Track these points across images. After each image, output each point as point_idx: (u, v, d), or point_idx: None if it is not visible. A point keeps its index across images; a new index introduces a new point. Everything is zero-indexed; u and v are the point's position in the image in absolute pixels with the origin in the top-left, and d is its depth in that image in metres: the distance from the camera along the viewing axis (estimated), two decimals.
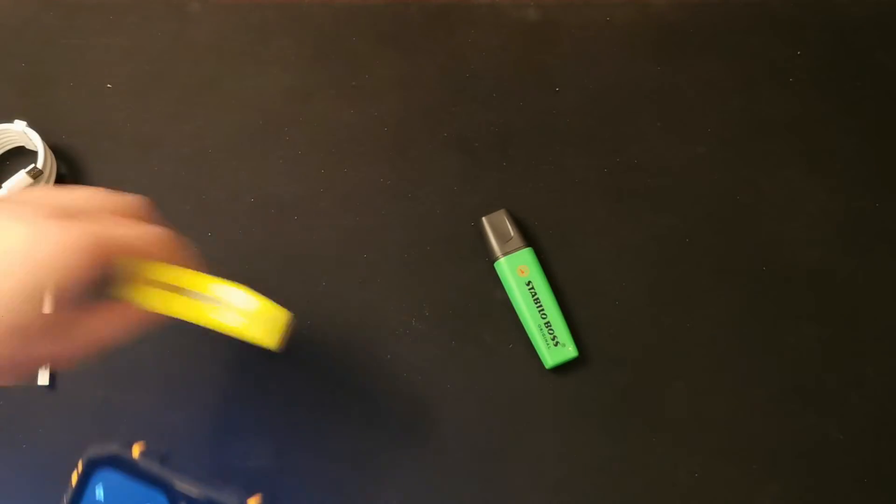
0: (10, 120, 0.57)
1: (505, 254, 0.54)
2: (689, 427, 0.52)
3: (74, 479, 0.39)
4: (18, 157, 0.59)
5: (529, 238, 0.55)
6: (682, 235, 0.57)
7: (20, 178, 0.53)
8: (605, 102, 0.61)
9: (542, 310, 0.53)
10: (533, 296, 0.53)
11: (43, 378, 0.52)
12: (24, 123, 0.56)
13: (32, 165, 0.54)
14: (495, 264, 0.54)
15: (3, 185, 0.53)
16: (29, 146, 0.58)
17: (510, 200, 0.56)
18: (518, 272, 0.53)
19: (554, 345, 0.52)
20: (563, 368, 0.53)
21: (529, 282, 0.53)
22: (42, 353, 0.32)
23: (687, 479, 0.51)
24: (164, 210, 0.59)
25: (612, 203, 0.57)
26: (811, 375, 0.53)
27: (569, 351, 0.52)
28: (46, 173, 0.55)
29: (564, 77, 0.61)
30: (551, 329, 0.52)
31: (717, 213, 0.57)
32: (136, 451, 0.39)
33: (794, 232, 0.57)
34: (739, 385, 0.53)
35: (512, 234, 0.54)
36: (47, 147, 0.56)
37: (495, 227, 0.55)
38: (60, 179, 0.57)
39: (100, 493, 0.40)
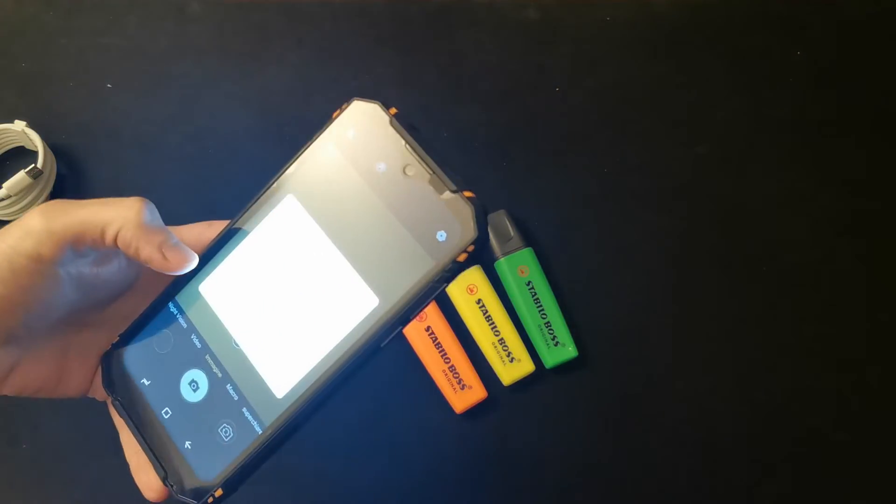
0: (10, 120, 0.57)
1: (505, 254, 0.54)
2: (689, 427, 0.52)
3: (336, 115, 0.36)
4: (18, 157, 0.59)
5: (529, 238, 0.55)
6: (682, 235, 0.57)
7: (20, 178, 0.53)
8: (605, 102, 0.61)
9: (542, 310, 0.53)
10: (533, 296, 0.53)
11: None
12: (24, 123, 0.56)
13: (32, 165, 0.54)
14: (495, 264, 0.54)
15: (3, 185, 0.53)
16: (29, 146, 0.58)
17: (510, 200, 0.56)
18: (518, 272, 0.53)
19: (554, 345, 0.52)
20: (564, 368, 0.53)
21: (529, 282, 0.53)
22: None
23: (687, 479, 0.51)
24: (164, 210, 0.59)
25: (612, 203, 0.57)
26: (811, 375, 0.53)
27: (569, 351, 0.52)
28: (46, 173, 0.55)
29: (564, 77, 0.61)
30: (551, 329, 0.52)
31: (717, 213, 0.57)
32: (392, 111, 0.36)
33: (794, 232, 0.57)
34: (739, 385, 0.53)
35: (512, 234, 0.54)
36: (47, 147, 0.56)
37: (495, 227, 0.55)
38: (60, 179, 0.57)
39: None
